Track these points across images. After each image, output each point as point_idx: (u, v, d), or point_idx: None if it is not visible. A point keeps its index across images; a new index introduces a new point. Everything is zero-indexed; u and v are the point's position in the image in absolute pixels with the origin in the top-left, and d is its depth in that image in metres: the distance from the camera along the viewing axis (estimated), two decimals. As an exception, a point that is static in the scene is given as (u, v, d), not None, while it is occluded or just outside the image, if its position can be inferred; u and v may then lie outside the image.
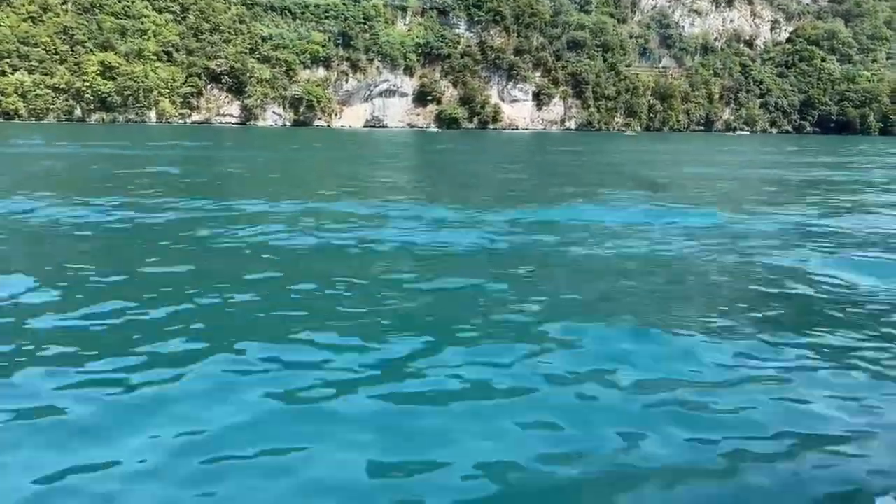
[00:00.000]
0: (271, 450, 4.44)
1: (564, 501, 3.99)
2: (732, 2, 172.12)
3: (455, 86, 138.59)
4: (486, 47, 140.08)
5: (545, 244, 11.80)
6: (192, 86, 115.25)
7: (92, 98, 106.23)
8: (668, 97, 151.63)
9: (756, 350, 6.35)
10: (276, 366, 5.79)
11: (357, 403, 5.12)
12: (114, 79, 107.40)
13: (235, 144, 51.47)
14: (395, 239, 11.82)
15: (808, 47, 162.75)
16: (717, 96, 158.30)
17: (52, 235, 11.75)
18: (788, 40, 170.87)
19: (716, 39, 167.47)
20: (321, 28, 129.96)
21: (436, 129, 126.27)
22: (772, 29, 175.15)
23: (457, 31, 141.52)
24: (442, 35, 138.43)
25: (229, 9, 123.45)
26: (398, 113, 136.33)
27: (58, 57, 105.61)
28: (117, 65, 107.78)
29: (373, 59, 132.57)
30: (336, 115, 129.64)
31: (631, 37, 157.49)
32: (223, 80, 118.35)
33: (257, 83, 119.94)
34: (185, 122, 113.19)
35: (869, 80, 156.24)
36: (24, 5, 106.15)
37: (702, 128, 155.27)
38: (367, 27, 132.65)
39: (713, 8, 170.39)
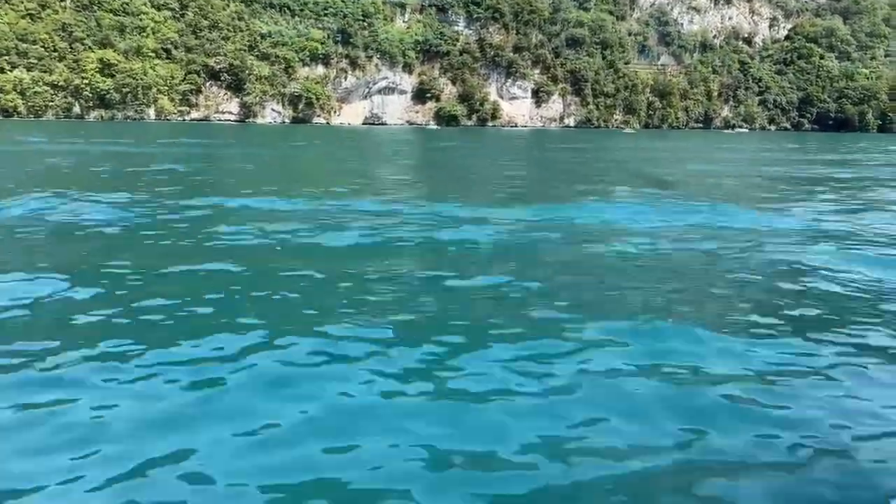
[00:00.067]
0: (326, 444, 4.50)
1: (627, 494, 4.05)
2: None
3: (454, 83, 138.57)
4: (484, 44, 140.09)
5: (568, 242, 11.87)
6: (191, 83, 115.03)
7: (91, 95, 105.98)
8: (666, 95, 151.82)
9: (798, 348, 6.42)
10: (322, 359, 5.88)
11: (406, 398, 5.19)
12: (112, 76, 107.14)
13: (238, 142, 51.40)
14: (418, 236, 11.92)
15: (807, 45, 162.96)
16: (715, 94, 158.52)
17: (79, 233, 11.76)
18: (787, 38, 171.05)
19: (714, 37, 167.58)
20: (320, 25, 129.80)
21: (435, 127, 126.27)
22: (770, 26, 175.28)
23: (456, 28, 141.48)
24: (441, 32, 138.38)
25: (228, 6, 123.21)
26: (397, 110, 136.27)
27: (56, 54, 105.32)
28: (116, 62, 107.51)
29: (372, 57, 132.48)
30: (335, 112, 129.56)
31: (630, 34, 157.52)
32: (222, 78, 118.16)
33: (256, 80, 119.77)
34: (184, 120, 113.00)
35: (867, 78, 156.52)
36: (22, 2, 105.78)
37: (700, 125, 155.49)
38: (365, 24, 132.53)
39: (712, 5, 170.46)
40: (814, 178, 28.41)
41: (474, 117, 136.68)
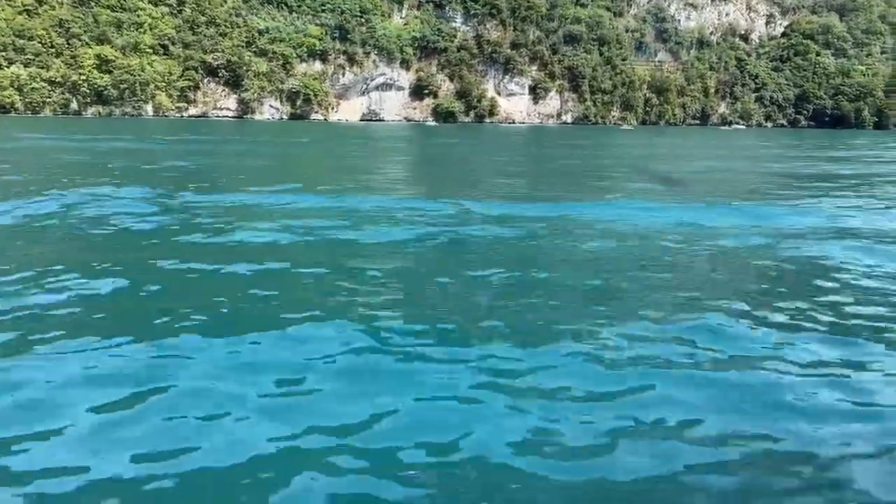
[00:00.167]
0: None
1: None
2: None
3: (451, 79, 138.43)
4: (482, 41, 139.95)
5: (589, 239, 12.01)
6: (188, 79, 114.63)
7: (88, 91, 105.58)
8: (664, 91, 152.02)
9: (830, 344, 6.58)
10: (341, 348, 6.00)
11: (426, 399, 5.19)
12: (110, 72, 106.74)
13: (241, 139, 51.38)
14: (442, 233, 12.05)
15: (803, 41, 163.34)
16: (712, 90, 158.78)
17: (111, 228, 11.89)
18: (783, 34, 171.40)
19: (711, 33, 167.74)
20: (318, 21, 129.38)
21: (433, 123, 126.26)
22: (767, 23, 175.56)
23: (453, 24, 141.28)
24: (438, 28, 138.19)
25: (225, 2, 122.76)
26: (395, 106, 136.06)
27: (53, 50, 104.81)
28: (113, 58, 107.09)
29: (369, 53, 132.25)
30: (333, 108, 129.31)
31: (627, 30, 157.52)
32: (220, 74, 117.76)
33: (254, 77, 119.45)
34: (182, 116, 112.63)
35: (863, 75, 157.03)
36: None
37: (697, 122, 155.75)
38: (363, 20, 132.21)
39: (708, 2, 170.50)
40: (819, 175, 28.63)
41: (472, 114, 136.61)
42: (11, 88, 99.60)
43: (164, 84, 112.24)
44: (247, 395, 5.04)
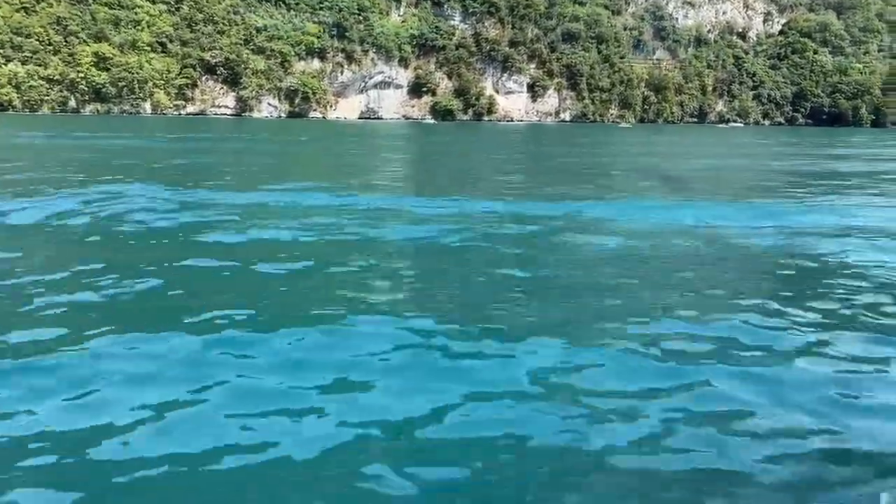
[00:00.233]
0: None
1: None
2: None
3: (450, 77, 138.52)
4: (480, 39, 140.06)
5: (600, 236, 12.07)
6: (186, 77, 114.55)
7: (86, 89, 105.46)
8: (662, 89, 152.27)
9: (868, 341, 6.65)
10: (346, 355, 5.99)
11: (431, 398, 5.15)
12: (108, 70, 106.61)
13: (239, 136, 51.42)
14: (454, 231, 12.13)
15: (801, 39, 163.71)
16: (710, 88, 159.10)
17: (133, 225, 11.95)
18: (781, 32, 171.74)
19: (709, 31, 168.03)
20: (316, 19, 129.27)
21: (431, 121, 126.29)
22: (764, 21, 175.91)
23: (451, 22, 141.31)
24: (437, 26, 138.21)
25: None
26: (393, 104, 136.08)
27: (51, 47, 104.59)
28: (111, 56, 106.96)
29: (367, 51, 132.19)
30: (331, 106, 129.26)
31: (625, 29, 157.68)
32: (218, 72, 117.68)
33: (252, 74, 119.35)
34: (180, 114, 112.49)
35: (861, 73, 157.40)
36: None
37: (695, 119, 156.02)
38: (361, 18, 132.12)
39: (706, 0, 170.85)
40: (820, 173, 28.76)
41: (470, 112, 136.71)
42: (9, 86, 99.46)
43: (162, 82, 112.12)
44: (298, 390, 5.10)
